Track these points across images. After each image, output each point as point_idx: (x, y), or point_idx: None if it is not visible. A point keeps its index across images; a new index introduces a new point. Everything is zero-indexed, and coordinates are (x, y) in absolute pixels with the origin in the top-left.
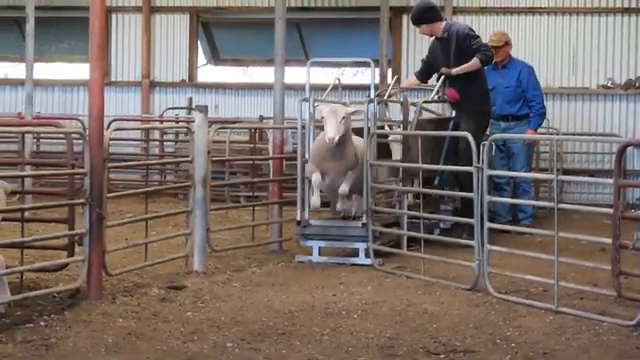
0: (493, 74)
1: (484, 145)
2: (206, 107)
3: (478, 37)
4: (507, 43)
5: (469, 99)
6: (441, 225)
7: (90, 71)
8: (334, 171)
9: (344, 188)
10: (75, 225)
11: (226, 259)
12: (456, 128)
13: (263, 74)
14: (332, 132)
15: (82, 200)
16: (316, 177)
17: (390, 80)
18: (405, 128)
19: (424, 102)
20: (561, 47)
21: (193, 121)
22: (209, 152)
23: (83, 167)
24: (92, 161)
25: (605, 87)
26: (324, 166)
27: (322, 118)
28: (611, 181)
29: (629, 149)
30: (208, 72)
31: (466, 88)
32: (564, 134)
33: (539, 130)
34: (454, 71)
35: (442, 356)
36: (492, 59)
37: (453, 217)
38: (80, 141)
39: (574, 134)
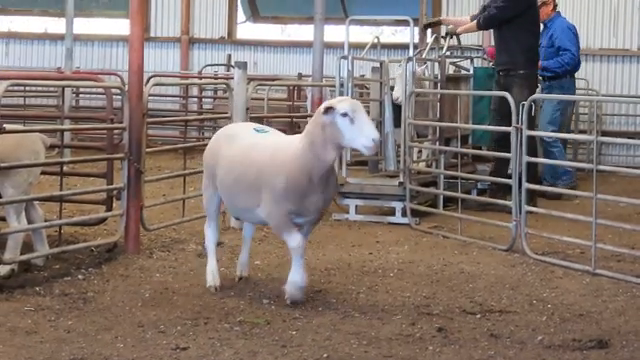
0: (542, 34)
1: (523, 105)
2: (245, 64)
3: None
4: (545, 3)
5: (515, 58)
6: (479, 185)
7: (130, 26)
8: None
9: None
10: (113, 180)
11: None
12: (502, 87)
13: (302, 32)
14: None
15: (121, 155)
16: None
17: (429, 39)
18: (442, 87)
19: (447, 58)
20: (602, 8)
21: (232, 78)
22: (248, 109)
23: (122, 122)
24: (131, 116)
25: None
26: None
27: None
28: None
29: None
30: (247, 29)
31: (509, 46)
32: (603, 96)
33: (578, 92)
34: (458, 30)
35: (478, 316)
36: (494, 21)
37: (490, 177)
38: (119, 96)
39: (614, 96)
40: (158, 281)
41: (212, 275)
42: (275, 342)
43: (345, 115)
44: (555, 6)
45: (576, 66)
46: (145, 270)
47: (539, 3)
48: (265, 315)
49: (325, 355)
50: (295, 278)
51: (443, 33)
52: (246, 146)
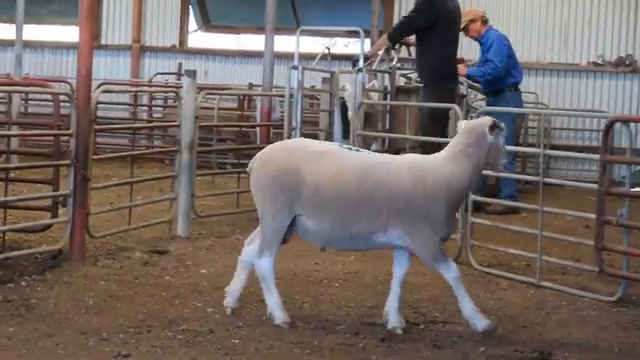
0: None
1: (471, 118)
2: (194, 72)
3: (422, 7)
4: (472, 20)
5: (424, 71)
6: None
7: (79, 32)
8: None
9: None
10: (60, 187)
11: (210, 225)
12: (421, 100)
13: (255, 42)
14: None
15: (67, 161)
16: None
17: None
18: (391, 98)
19: (397, 69)
20: (552, 23)
21: (182, 86)
22: (197, 117)
23: (69, 129)
24: (78, 122)
25: (595, 64)
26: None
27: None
28: (597, 157)
29: (617, 126)
30: (199, 38)
31: (421, 59)
32: (553, 109)
33: (526, 106)
34: (370, 51)
35: (422, 326)
36: (399, 34)
37: None
38: (68, 104)
39: (563, 110)
40: (102, 289)
41: (281, 311)
42: (217, 350)
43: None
44: (485, 21)
45: (509, 77)
46: (89, 277)
47: (466, 21)
48: (209, 324)
49: None
50: (471, 307)
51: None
52: (358, 164)
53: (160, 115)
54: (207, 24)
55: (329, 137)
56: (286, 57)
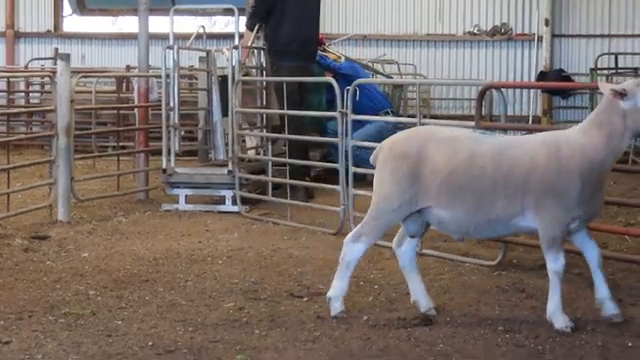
0: None
1: (348, 90)
2: (68, 55)
3: None
4: None
5: (268, 50)
6: (311, 173)
7: None
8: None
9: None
10: None
11: (92, 209)
12: None
13: (133, 24)
14: None
15: None
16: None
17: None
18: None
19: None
20: None
21: (57, 71)
22: (72, 101)
23: None
24: None
25: (471, 34)
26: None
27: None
28: (472, 124)
29: (494, 94)
30: (76, 22)
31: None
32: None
33: (405, 77)
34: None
35: (305, 299)
36: (252, 18)
37: (320, 163)
38: None
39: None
40: None
41: (341, 303)
42: (100, 332)
43: None
44: None
45: None
46: None
47: None
48: (91, 306)
49: (150, 343)
50: (557, 306)
51: None
52: (492, 146)
53: (37, 101)
54: (82, 8)
55: (209, 116)
56: (164, 38)
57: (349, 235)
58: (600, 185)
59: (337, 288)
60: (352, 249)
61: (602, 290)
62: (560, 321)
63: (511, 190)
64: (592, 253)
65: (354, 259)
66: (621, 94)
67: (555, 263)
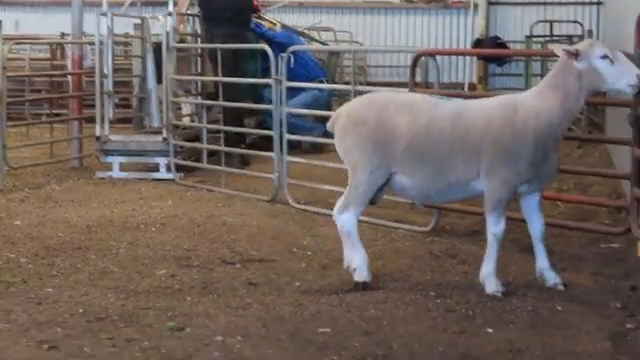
0: None
1: (282, 58)
2: (0, 22)
3: None
4: None
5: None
6: (246, 140)
7: None
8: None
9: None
10: None
11: (25, 176)
12: None
13: None
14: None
15: None
16: None
17: None
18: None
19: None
20: None
21: None
22: (4, 68)
23: None
24: None
25: (408, 1)
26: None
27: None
28: (406, 90)
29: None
30: None
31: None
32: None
33: (341, 44)
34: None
35: (237, 265)
36: None
37: (255, 130)
38: None
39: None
40: None
41: (367, 270)
42: (30, 300)
43: (605, 57)
44: None
45: None
46: None
47: None
48: (22, 274)
49: (81, 310)
50: (491, 270)
51: None
52: (449, 112)
53: None
54: None
55: (143, 83)
56: (98, 5)
57: (335, 208)
58: (554, 147)
59: (359, 258)
60: (344, 219)
61: (542, 261)
62: (492, 285)
63: (467, 152)
64: (537, 225)
65: (351, 227)
66: (575, 54)
67: (496, 226)
